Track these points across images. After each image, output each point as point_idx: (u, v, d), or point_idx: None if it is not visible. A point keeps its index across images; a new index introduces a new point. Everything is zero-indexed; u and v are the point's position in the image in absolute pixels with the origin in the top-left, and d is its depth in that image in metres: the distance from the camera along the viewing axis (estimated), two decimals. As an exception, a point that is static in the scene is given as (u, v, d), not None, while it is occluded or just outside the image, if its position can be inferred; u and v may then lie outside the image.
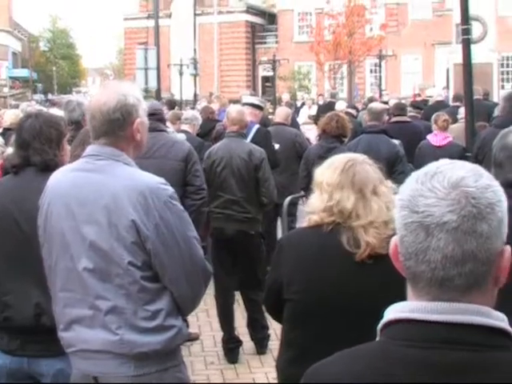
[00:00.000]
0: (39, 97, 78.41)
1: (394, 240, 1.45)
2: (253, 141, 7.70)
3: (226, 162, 6.27)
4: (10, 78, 69.79)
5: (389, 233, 2.63)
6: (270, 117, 22.94)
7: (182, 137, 6.86)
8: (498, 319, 1.36)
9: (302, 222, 7.94)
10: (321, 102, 24.92)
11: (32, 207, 3.09)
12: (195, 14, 33.69)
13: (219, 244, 6.40)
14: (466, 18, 8.25)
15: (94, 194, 2.79)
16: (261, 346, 6.42)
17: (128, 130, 2.86)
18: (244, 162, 6.24)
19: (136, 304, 2.75)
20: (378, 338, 1.44)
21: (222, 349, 6.38)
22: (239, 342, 6.38)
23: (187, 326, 3.09)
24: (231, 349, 6.30)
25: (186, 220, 2.87)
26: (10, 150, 6.90)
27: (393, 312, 1.43)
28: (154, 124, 5.53)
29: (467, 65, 8.14)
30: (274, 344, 6.14)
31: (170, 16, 54.14)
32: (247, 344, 6.49)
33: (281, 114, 9.55)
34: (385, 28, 38.55)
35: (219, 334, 6.47)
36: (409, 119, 9.72)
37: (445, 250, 1.33)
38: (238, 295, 6.69)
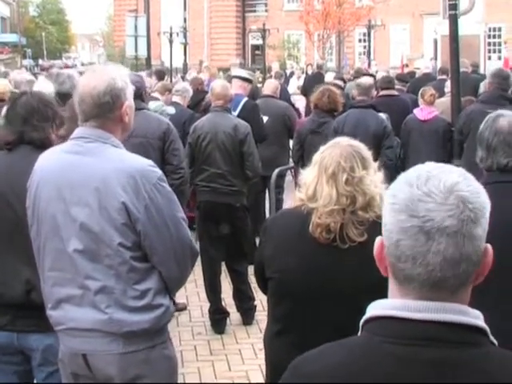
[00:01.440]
0: (28, 62, 77.68)
1: (379, 241, 1.47)
2: (241, 113, 7.75)
3: (211, 137, 6.33)
4: (-1, 42, 69.20)
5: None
6: (259, 85, 22.96)
7: (171, 110, 6.90)
8: (475, 317, 1.41)
9: (289, 194, 8.06)
10: (310, 72, 24.92)
11: (24, 186, 3.08)
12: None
13: (205, 216, 6.48)
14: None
15: (84, 176, 2.82)
16: (247, 317, 6.52)
17: (117, 112, 2.90)
18: (229, 136, 6.30)
19: (125, 284, 2.81)
20: (359, 333, 1.48)
21: (209, 319, 6.47)
22: (226, 313, 6.48)
23: (174, 295, 3.16)
24: (218, 320, 6.40)
25: (175, 201, 2.94)
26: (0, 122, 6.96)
27: (376, 308, 1.46)
28: (136, 103, 5.58)
29: (454, 40, 8.18)
30: (261, 315, 6.26)
31: (160, -17, 53.69)
32: (234, 315, 6.58)
33: (269, 86, 9.58)
34: (373, -1, 38.61)
35: (207, 305, 6.56)
36: (396, 93, 9.77)
37: (445, 253, 1.37)
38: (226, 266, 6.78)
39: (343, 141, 2.91)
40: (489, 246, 1.43)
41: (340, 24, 36.78)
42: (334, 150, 2.82)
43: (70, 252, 2.82)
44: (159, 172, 2.91)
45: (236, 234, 6.42)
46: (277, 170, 8.61)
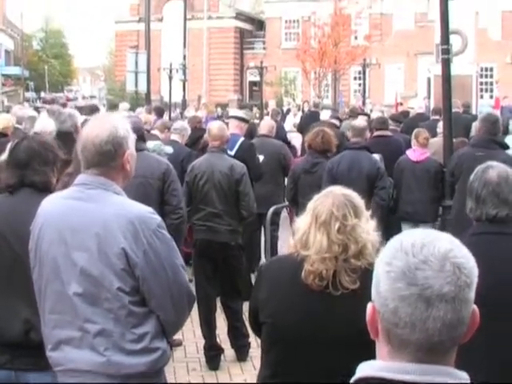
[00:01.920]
0: (31, 94, 78.27)
1: (371, 307, 1.50)
2: (237, 153, 7.94)
3: (208, 177, 6.50)
4: (3, 75, 69.51)
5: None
6: (256, 121, 23.23)
7: (169, 149, 7.05)
8: (463, 379, 1.46)
9: (284, 231, 8.20)
10: (306, 109, 25.20)
11: (26, 228, 3.17)
12: (185, 19, 33.75)
13: (201, 254, 6.62)
14: (445, 37, 8.52)
15: (84, 221, 2.90)
16: (241, 354, 6.61)
17: (118, 160, 2.99)
18: (225, 176, 6.46)
19: (124, 327, 2.87)
20: None
21: (203, 355, 6.54)
22: (220, 350, 6.57)
23: (171, 338, 3.26)
24: (212, 356, 6.49)
25: (173, 248, 3.02)
26: (2, 157, 7.07)
27: (366, 370, 1.48)
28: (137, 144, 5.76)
29: (446, 82, 8.42)
30: (255, 352, 6.32)
31: (161, 20, 54.28)
32: (228, 351, 6.66)
33: (265, 126, 9.79)
34: (369, 39, 39.38)
35: (201, 341, 6.64)
36: (390, 133, 9.97)
37: (444, 319, 1.40)
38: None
39: (336, 189, 2.96)
40: (475, 306, 1.47)
41: (336, 63, 37.32)
42: (326, 199, 2.88)
43: (70, 295, 2.89)
44: (158, 219, 2.98)
45: (231, 271, 6.54)
46: (272, 208, 8.77)
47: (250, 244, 8.41)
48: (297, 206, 8.14)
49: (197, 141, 9.97)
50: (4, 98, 69.52)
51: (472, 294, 1.45)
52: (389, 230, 9.27)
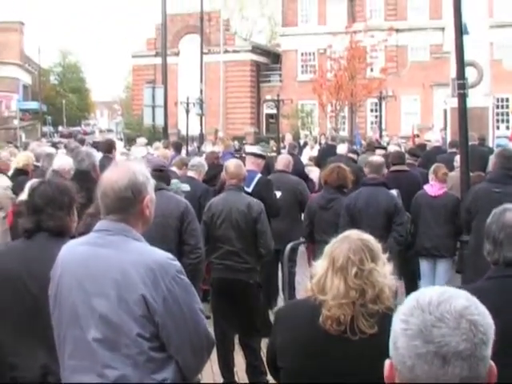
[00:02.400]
0: (48, 129, 79.15)
1: (389, 364, 1.52)
2: (255, 189, 7.98)
3: (225, 215, 6.52)
4: (21, 110, 70.37)
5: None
6: (273, 154, 23.26)
7: (186, 187, 7.08)
8: None
9: (301, 267, 8.16)
10: (323, 141, 25.28)
11: (43, 272, 3.22)
12: (202, 53, 34.11)
13: (219, 293, 6.61)
14: (461, 72, 8.55)
15: (104, 268, 2.91)
16: (259, 392, 6.58)
17: (138, 206, 3.01)
18: (243, 214, 6.48)
19: (143, 373, 2.87)
20: None
21: (221, 393, 6.53)
22: (239, 389, 6.56)
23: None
24: (230, 395, 6.47)
25: (192, 293, 3.01)
26: (23, 196, 7.13)
27: None
28: (156, 184, 5.78)
29: (463, 118, 8.42)
30: (273, 390, 6.33)
31: (177, 54, 54.89)
32: (246, 388, 6.65)
33: (282, 161, 9.82)
34: (385, 72, 39.49)
35: (219, 377, 6.62)
36: (407, 168, 9.99)
37: (461, 376, 1.42)
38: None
39: (353, 234, 2.97)
40: (492, 362, 1.48)
41: (352, 96, 37.49)
42: (343, 244, 2.89)
43: (90, 341, 2.89)
44: (178, 265, 2.97)
45: (249, 310, 6.52)
46: (290, 245, 8.78)
47: (267, 280, 8.40)
48: (313, 242, 8.15)
49: (214, 177, 10.01)
50: (22, 132, 70.46)
51: (489, 351, 1.45)
52: (407, 265, 9.30)
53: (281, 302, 9.38)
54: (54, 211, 3.63)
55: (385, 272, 2.86)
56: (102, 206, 3.04)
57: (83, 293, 2.93)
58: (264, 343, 7.09)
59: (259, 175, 8.40)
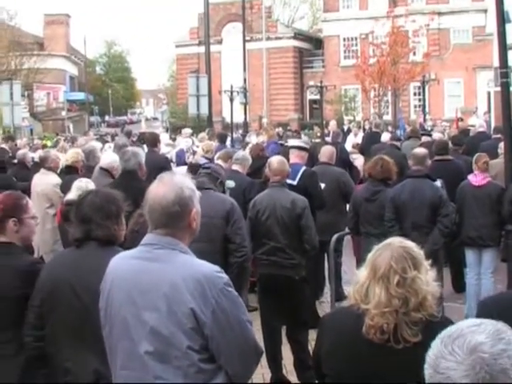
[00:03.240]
0: (95, 119, 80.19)
1: None
2: (300, 182, 8.07)
3: (270, 212, 6.61)
4: (68, 101, 71.36)
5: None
6: (317, 140, 23.19)
7: (231, 184, 7.15)
8: None
9: (347, 257, 8.22)
10: (367, 127, 25.19)
11: (93, 280, 3.33)
12: (244, 41, 34.15)
13: (266, 289, 6.72)
14: (504, 60, 8.50)
15: (153, 282, 2.96)
16: (307, 386, 6.67)
17: (185, 220, 3.05)
18: (287, 210, 6.57)
19: None
20: None
21: (270, 388, 6.61)
22: (286, 383, 6.65)
23: None
24: (279, 389, 6.56)
25: (240, 304, 3.08)
26: (70, 196, 7.31)
27: None
28: (201, 182, 5.93)
29: (506, 107, 8.39)
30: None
31: (220, 42, 55.01)
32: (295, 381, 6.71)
33: (326, 153, 9.84)
34: (428, 57, 39.07)
35: (268, 371, 6.70)
36: (451, 157, 9.97)
37: None
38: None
39: (395, 242, 2.97)
40: None
41: (395, 82, 37.23)
42: (385, 252, 2.89)
43: (141, 353, 2.95)
44: (225, 277, 3.01)
45: (295, 305, 6.61)
46: (335, 236, 8.85)
47: (314, 271, 8.49)
48: (359, 233, 8.22)
49: (259, 169, 10.08)
50: (70, 123, 71.47)
51: None
52: (453, 253, 9.31)
53: (327, 291, 9.47)
54: (102, 220, 3.73)
55: (427, 279, 2.85)
56: (150, 221, 3.09)
57: (133, 306, 3.00)
58: (312, 335, 7.22)
59: (304, 168, 8.48)
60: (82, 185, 7.26)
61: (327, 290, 9.54)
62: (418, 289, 2.81)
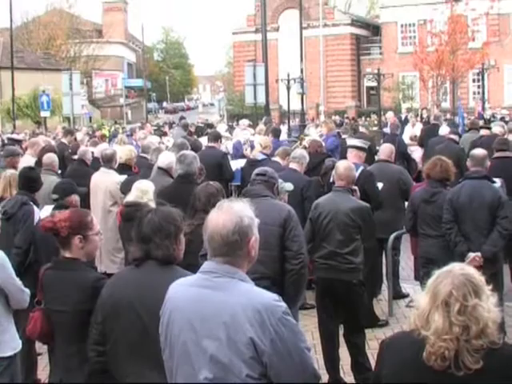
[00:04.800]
0: (153, 105, 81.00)
1: None
2: (357, 182, 8.05)
3: (332, 216, 6.64)
4: (126, 87, 72.28)
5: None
6: (374, 128, 23.04)
7: (289, 186, 7.15)
8: None
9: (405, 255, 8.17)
10: (425, 115, 24.89)
11: (153, 300, 3.42)
12: (301, 29, 34.02)
13: (323, 292, 6.79)
14: None
15: (213, 310, 3.01)
16: (365, 388, 6.72)
17: (244, 249, 3.10)
18: (349, 217, 6.59)
19: None
20: None
21: (328, 390, 6.68)
22: (344, 386, 6.71)
23: None
24: (337, 392, 6.64)
25: (298, 332, 3.12)
26: (130, 197, 7.42)
27: None
28: (259, 190, 6.00)
29: None
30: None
31: (277, 29, 54.91)
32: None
33: (385, 150, 9.82)
34: (487, 46, 38.25)
35: (325, 373, 6.70)
36: (511, 154, 9.83)
37: None
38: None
39: (456, 268, 2.95)
40: None
41: (454, 71, 36.69)
42: (446, 279, 2.87)
43: (201, 380, 3.01)
44: (284, 306, 3.03)
45: (353, 308, 6.66)
46: (393, 235, 8.87)
47: (372, 269, 8.52)
48: (417, 234, 8.20)
49: (318, 165, 10.11)
50: (128, 110, 72.43)
51: None
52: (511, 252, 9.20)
53: (385, 289, 9.49)
54: (161, 240, 3.77)
55: (489, 306, 2.82)
56: (209, 249, 3.13)
57: (194, 333, 3.06)
58: (369, 334, 7.27)
59: (361, 168, 8.50)
60: (141, 186, 7.41)
61: (384, 288, 9.55)
62: (480, 316, 2.79)
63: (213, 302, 3.05)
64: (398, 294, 9.40)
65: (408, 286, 9.89)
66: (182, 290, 3.22)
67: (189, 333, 3.08)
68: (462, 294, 2.83)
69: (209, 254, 3.16)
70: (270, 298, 3.07)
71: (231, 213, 3.12)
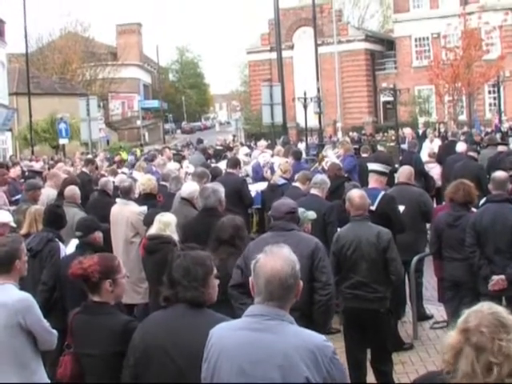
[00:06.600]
0: (170, 126, 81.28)
1: None
2: (379, 207, 8.11)
3: (355, 246, 6.69)
4: (142, 109, 72.66)
5: None
6: (392, 144, 22.99)
7: (312, 215, 7.19)
8: None
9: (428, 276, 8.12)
10: (442, 129, 24.85)
11: (188, 342, 3.46)
12: (316, 46, 34.13)
13: (350, 321, 6.81)
14: None
15: (266, 353, 3.08)
16: (392, 416, 6.72)
17: (295, 292, 3.25)
18: (373, 245, 6.64)
19: None
20: None
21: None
22: (371, 410, 6.74)
23: None
24: (364, 420, 6.66)
25: (345, 372, 3.32)
26: (152, 230, 7.38)
27: None
28: (285, 224, 6.04)
29: None
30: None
31: (292, 47, 55.15)
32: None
33: (404, 173, 9.81)
34: (503, 59, 38.17)
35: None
36: (527, 175, 9.78)
37: None
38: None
39: (484, 308, 2.97)
40: None
41: (469, 86, 36.67)
42: (475, 319, 2.91)
43: None
44: (332, 346, 3.16)
45: (380, 337, 6.68)
46: (416, 257, 8.87)
47: (396, 291, 8.51)
48: (441, 258, 8.19)
49: (337, 188, 10.11)
50: (145, 131, 72.80)
51: None
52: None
53: (408, 310, 9.47)
54: (189, 283, 3.81)
55: None
56: (265, 293, 3.19)
57: (244, 377, 3.11)
58: (395, 358, 7.27)
59: (382, 193, 8.51)
60: (163, 219, 7.38)
61: (408, 310, 9.53)
62: (510, 353, 2.81)
63: (265, 345, 3.12)
64: (422, 316, 9.38)
65: (432, 306, 9.87)
66: (229, 334, 3.27)
67: (239, 377, 3.14)
68: (492, 332, 2.85)
69: (261, 297, 3.22)
70: (321, 338, 3.19)
71: (285, 257, 3.25)
